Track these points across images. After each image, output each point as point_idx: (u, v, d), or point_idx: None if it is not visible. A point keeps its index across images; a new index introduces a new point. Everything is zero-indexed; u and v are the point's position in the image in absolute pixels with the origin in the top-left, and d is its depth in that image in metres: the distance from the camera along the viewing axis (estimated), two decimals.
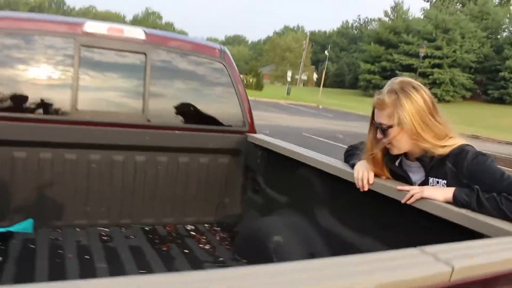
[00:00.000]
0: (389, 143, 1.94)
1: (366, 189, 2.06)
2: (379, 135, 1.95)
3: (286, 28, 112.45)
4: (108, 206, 3.12)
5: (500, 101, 53.61)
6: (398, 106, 1.85)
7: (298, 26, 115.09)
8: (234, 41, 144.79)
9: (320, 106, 34.24)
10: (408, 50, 54.78)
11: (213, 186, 3.42)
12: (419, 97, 1.86)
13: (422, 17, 62.87)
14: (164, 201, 3.28)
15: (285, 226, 2.73)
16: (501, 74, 53.39)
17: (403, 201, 1.84)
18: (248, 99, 3.44)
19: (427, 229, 1.87)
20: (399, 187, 1.89)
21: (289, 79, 48.40)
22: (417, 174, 2.01)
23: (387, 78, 52.16)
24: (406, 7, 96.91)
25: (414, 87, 1.88)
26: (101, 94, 3.02)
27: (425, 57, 48.79)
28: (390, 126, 1.88)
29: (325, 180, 2.51)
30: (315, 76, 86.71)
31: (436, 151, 1.86)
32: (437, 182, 1.89)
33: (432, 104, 1.89)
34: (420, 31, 56.22)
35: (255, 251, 2.81)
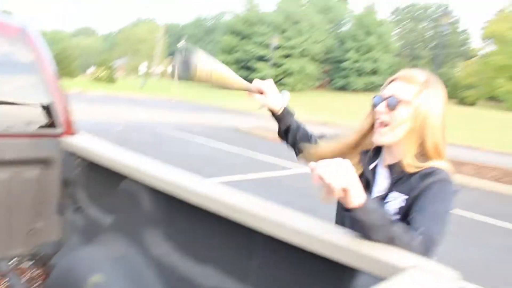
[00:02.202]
0: (386, 124, 1.48)
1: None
2: (381, 108, 1.49)
3: (139, 20, 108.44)
4: None
5: (344, 89, 58.16)
6: (429, 89, 1.48)
7: (152, 18, 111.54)
8: (85, 33, 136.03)
9: (175, 99, 33.47)
10: (261, 41, 56.34)
11: (20, 208, 2.60)
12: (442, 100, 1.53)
13: (274, 8, 65.06)
14: None
15: (108, 258, 2.05)
16: (344, 64, 57.83)
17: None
18: (63, 91, 2.66)
19: (296, 265, 1.39)
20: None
21: (144, 71, 46.66)
22: (381, 184, 1.55)
23: (243, 68, 53.96)
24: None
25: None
26: None
27: (277, 47, 50.59)
28: (407, 103, 1.45)
29: (158, 197, 1.89)
30: (171, 68, 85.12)
31: (412, 167, 1.45)
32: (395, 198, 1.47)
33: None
34: (272, 23, 58.20)
35: None
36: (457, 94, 28.77)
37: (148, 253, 1.93)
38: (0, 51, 2.48)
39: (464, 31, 65.07)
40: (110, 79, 40.66)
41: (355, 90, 57.06)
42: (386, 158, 1.55)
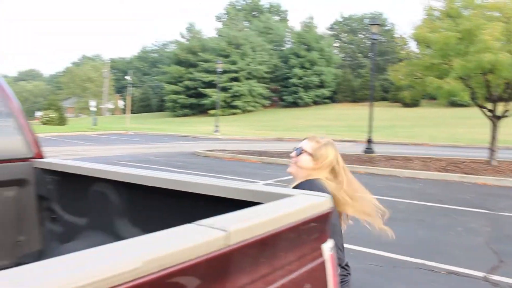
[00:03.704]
0: (296, 162, 2.48)
1: None
2: (293, 153, 2.51)
3: (84, 57, 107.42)
4: None
5: (294, 105, 59.42)
6: (321, 149, 2.47)
7: (96, 54, 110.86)
8: (29, 75, 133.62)
9: (130, 132, 33.55)
10: (207, 67, 57.19)
11: (3, 224, 3.01)
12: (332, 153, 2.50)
13: (216, 35, 66.20)
14: None
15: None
16: (291, 81, 59.28)
17: None
18: (28, 123, 3.12)
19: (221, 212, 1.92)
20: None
21: (93, 109, 46.40)
22: None
23: (192, 96, 54.02)
24: (199, 28, 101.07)
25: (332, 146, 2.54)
26: None
27: (223, 72, 51.56)
28: (308, 154, 2.45)
29: (124, 190, 2.39)
30: (121, 103, 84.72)
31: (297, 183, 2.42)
32: None
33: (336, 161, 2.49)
34: (216, 49, 59.24)
35: None
36: (398, 97, 30.59)
37: (121, 238, 2.41)
38: None
39: (401, 36, 68.18)
40: (61, 121, 40.25)
41: (305, 105, 58.60)
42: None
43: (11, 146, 3.04)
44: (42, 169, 2.99)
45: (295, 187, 2.36)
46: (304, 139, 2.56)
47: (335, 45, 73.87)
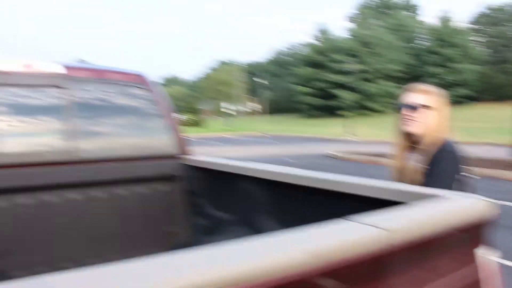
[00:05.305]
0: (415, 119, 2.21)
1: None
2: (407, 111, 2.23)
3: (221, 63, 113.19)
4: (44, 252, 2.93)
5: None
6: (441, 98, 2.28)
7: (232, 60, 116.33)
8: (172, 82, 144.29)
9: (265, 134, 34.55)
10: (338, 68, 56.71)
11: (157, 216, 3.30)
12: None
13: (346, 35, 65.41)
14: (106, 238, 3.12)
15: None
16: (426, 79, 56.23)
17: None
18: (177, 122, 3.39)
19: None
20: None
21: (229, 112, 48.65)
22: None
23: (323, 97, 53.66)
24: (331, 29, 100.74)
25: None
26: (26, 134, 2.87)
27: (354, 72, 50.72)
28: (427, 107, 2.20)
29: (269, 188, 2.47)
30: (255, 105, 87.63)
31: (431, 144, 2.18)
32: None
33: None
34: (346, 49, 58.53)
35: None
36: None
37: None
38: (127, 95, 3.24)
39: None
40: (198, 123, 42.84)
41: None
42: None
43: (161, 145, 3.32)
44: (189, 165, 3.21)
45: (438, 153, 2.13)
46: (408, 93, 2.30)
47: (475, 39, 68.57)
